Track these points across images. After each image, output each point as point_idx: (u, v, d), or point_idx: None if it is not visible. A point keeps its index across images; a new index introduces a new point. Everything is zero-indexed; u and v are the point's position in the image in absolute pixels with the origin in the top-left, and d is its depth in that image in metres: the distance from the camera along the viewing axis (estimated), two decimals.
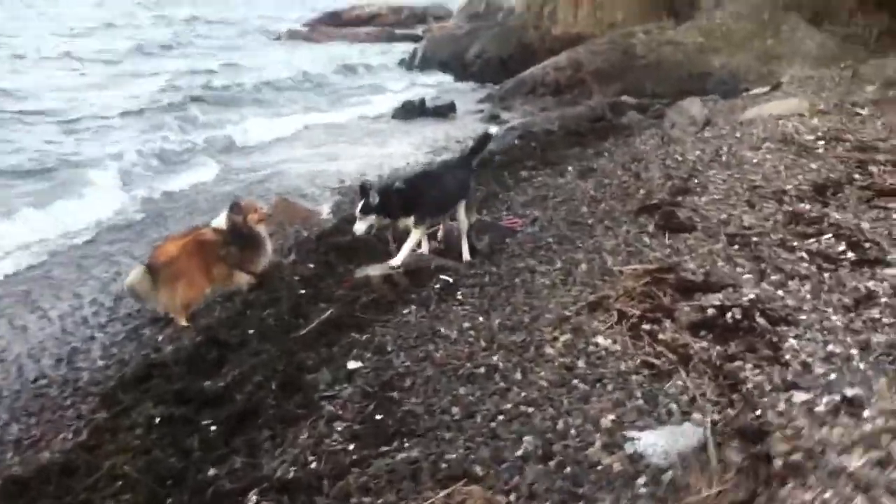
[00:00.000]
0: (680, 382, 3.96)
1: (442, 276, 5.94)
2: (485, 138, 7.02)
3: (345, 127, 16.24)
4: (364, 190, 5.96)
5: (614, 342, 4.45)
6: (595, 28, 22.88)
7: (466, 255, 6.53)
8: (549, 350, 4.45)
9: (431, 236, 7.11)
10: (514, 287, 5.57)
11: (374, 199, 5.92)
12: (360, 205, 5.95)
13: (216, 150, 13.47)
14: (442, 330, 4.92)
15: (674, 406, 3.76)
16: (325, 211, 9.43)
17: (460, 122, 16.65)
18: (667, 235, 6.23)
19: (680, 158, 8.63)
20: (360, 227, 5.96)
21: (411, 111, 18.03)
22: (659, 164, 8.43)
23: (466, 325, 4.96)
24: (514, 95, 19.60)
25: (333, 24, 47.19)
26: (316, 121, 16.94)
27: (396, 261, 6.15)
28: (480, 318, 5.06)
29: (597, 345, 4.44)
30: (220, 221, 6.15)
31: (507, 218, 7.45)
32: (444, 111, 17.74)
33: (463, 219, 6.57)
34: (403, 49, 33.10)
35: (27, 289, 7.24)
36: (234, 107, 18.15)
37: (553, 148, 10.93)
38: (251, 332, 5.12)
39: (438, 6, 51.79)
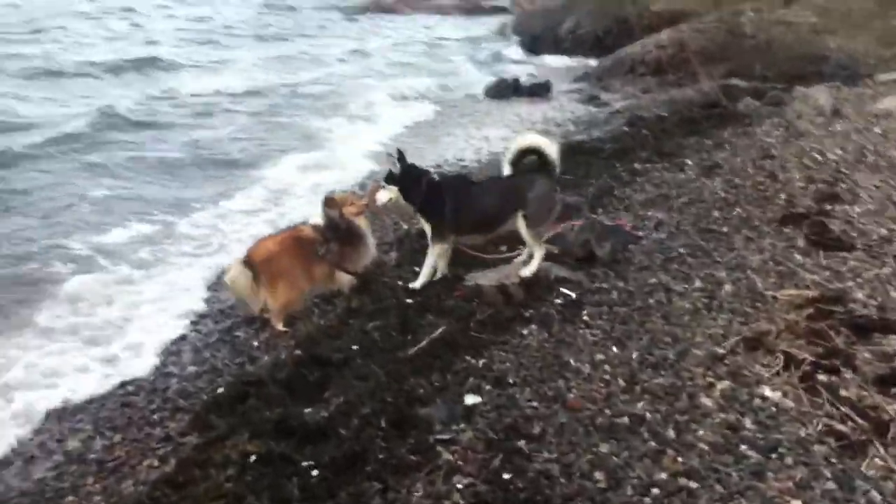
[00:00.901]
0: (878, 460, 3.24)
1: (563, 290, 5.28)
2: None
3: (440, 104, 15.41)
4: (397, 157, 5.56)
5: (785, 395, 3.76)
6: (698, 4, 21.56)
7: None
8: (704, 400, 3.78)
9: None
10: (648, 309, 4.88)
11: (397, 169, 5.50)
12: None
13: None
14: (571, 362, 4.28)
15: (875, 495, 3.05)
16: None
17: (557, 102, 15.77)
18: (821, 253, 5.46)
19: (819, 158, 7.74)
20: (381, 197, 5.57)
21: (504, 90, 17.21)
22: (796, 164, 7.56)
23: (599, 356, 4.31)
24: (613, 75, 18.57)
25: None
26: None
27: (416, 283, 5.56)
28: (614, 349, 4.40)
29: (764, 398, 3.75)
30: (318, 219, 5.62)
31: (616, 220, 6.69)
32: (540, 90, 16.85)
33: (527, 238, 5.48)
34: (489, 22, 32.25)
35: None
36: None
37: (667, 136, 10.04)
38: (355, 347, 4.57)
39: None
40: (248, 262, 5.23)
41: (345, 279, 5.62)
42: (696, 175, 7.94)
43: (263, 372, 4.47)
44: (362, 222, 5.83)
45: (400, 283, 5.64)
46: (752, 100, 12.31)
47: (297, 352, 4.67)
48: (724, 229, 6.20)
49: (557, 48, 24.13)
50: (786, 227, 6.02)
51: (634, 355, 4.27)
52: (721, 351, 4.18)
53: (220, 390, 4.43)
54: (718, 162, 8.26)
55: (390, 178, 5.55)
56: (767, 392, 3.76)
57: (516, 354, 4.46)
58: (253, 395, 4.16)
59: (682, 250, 5.83)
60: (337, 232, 5.57)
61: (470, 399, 3.97)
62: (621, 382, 4.01)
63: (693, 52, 18.13)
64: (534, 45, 25.45)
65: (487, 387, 4.11)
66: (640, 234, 6.35)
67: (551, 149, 5.50)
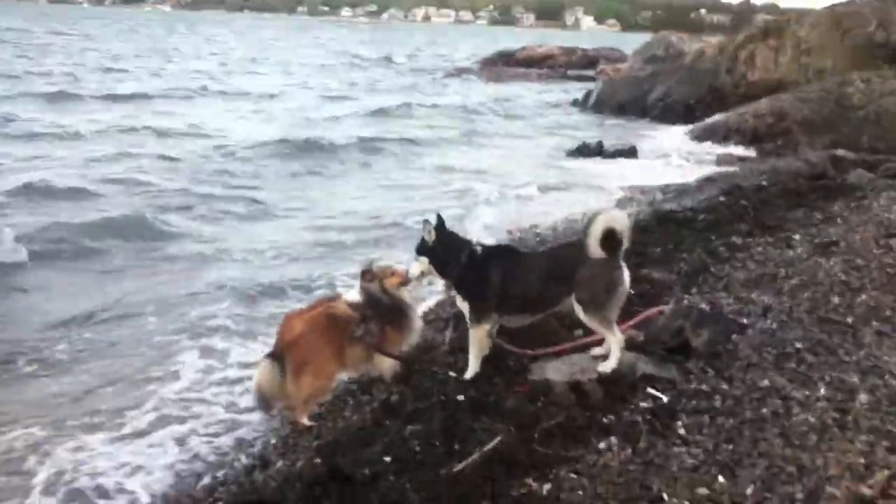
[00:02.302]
0: None
1: (651, 391, 4.29)
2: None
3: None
4: (434, 225, 4.77)
5: None
6: (799, 75, 20.51)
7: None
8: None
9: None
10: (761, 423, 3.84)
11: (431, 238, 4.74)
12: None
13: None
14: (664, 497, 3.27)
15: None
16: None
17: (644, 164, 14.94)
18: None
19: None
20: (413, 270, 4.83)
21: (586, 153, 16.53)
22: None
23: (701, 490, 3.29)
24: (705, 141, 17.63)
25: (505, 63, 46.76)
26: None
27: (468, 373, 4.66)
28: (720, 479, 3.37)
29: None
30: (354, 294, 4.81)
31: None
32: (625, 155, 16.07)
33: (592, 327, 4.59)
34: (573, 89, 31.82)
35: None
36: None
37: (769, 209, 8.97)
38: (387, 459, 3.67)
39: (611, 49, 50.30)
40: (274, 354, 4.48)
41: (387, 364, 4.77)
42: (807, 253, 6.83)
43: (271, 489, 3.59)
44: (406, 295, 4.99)
45: (452, 373, 4.72)
46: (864, 171, 11.14)
47: (317, 460, 3.79)
48: (849, 320, 5.10)
49: (644, 116, 23.38)
50: None
51: (749, 490, 3.24)
52: (868, 492, 3.11)
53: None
54: (833, 238, 7.14)
55: (422, 249, 4.81)
56: None
57: (591, 479, 3.48)
58: None
59: (798, 345, 4.75)
60: (377, 308, 4.75)
61: None
62: None
63: (795, 122, 17.05)
64: (620, 113, 24.73)
65: None
66: (745, 321, 5.31)
67: (622, 223, 4.47)
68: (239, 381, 5.65)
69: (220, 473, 4.24)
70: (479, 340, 4.69)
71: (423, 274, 4.82)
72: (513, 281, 4.65)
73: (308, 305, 4.95)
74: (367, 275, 4.84)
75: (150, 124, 18.53)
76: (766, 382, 4.28)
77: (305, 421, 4.45)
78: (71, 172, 12.86)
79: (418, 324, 5.06)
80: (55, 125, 17.78)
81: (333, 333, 4.54)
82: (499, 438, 3.75)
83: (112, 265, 8.69)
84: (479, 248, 4.82)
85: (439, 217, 4.84)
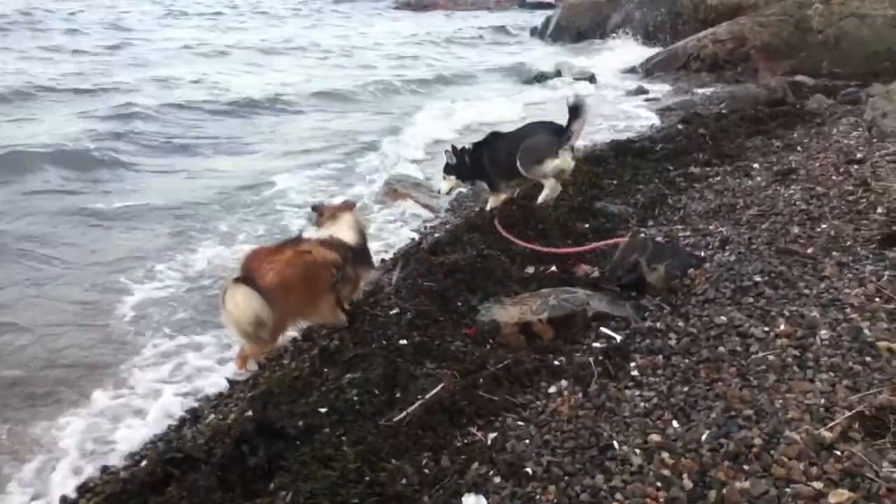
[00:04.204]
0: None
1: (605, 330, 4.08)
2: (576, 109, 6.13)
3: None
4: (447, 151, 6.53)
5: None
6: None
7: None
8: None
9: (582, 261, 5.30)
10: (718, 362, 3.65)
11: (452, 159, 6.45)
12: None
13: None
14: (615, 444, 3.07)
15: None
16: (442, 204, 7.68)
17: (600, 94, 14.56)
18: None
19: None
20: (444, 187, 6.66)
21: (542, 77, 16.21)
22: (892, 170, 6.23)
23: (654, 436, 3.10)
24: (664, 69, 17.27)
25: None
26: None
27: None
28: (675, 424, 3.18)
29: None
30: (316, 232, 4.42)
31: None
32: (583, 81, 15.75)
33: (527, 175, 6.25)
34: (528, 19, 31.14)
35: None
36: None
37: (728, 137, 8.71)
38: (323, 410, 3.41)
39: None
40: (250, 282, 3.90)
41: (342, 318, 4.43)
42: (766, 181, 6.64)
43: (198, 446, 3.32)
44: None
45: (396, 312, 4.44)
46: (823, 97, 10.95)
47: (249, 413, 3.52)
48: (809, 250, 4.92)
49: (604, 43, 22.88)
50: (890, 249, 4.73)
51: (704, 436, 3.05)
52: (828, 435, 2.94)
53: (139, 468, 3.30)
54: (793, 166, 6.96)
55: (448, 169, 6.52)
56: None
57: (539, 427, 3.27)
58: (176, 480, 3.03)
59: (757, 278, 4.55)
60: (358, 253, 4.43)
61: (470, 501, 2.80)
62: (687, 483, 2.80)
63: (754, 47, 16.76)
64: (579, 40, 24.21)
65: (497, 479, 2.94)
66: (703, 254, 5.12)
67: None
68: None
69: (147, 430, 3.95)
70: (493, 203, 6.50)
71: (450, 189, 6.68)
72: (495, 155, 6.33)
73: (277, 244, 4.43)
74: (348, 206, 4.46)
75: None
76: (723, 319, 4.08)
77: (240, 367, 4.14)
78: None
79: (373, 272, 4.75)
80: None
81: (313, 277, 4.16)
82: (441, 385, 3.51)
83: None
84: (468, 145, 6.52)
85: (453, 146, 6.54)
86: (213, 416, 3.82)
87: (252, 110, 13.23)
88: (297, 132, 11.89)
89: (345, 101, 14.44)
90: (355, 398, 3.49)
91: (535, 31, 27.78)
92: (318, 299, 4.21)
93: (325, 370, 3.84)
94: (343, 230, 4.49)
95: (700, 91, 13.93)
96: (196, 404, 4.16)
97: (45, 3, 29.46)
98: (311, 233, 4.53)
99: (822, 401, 3.21)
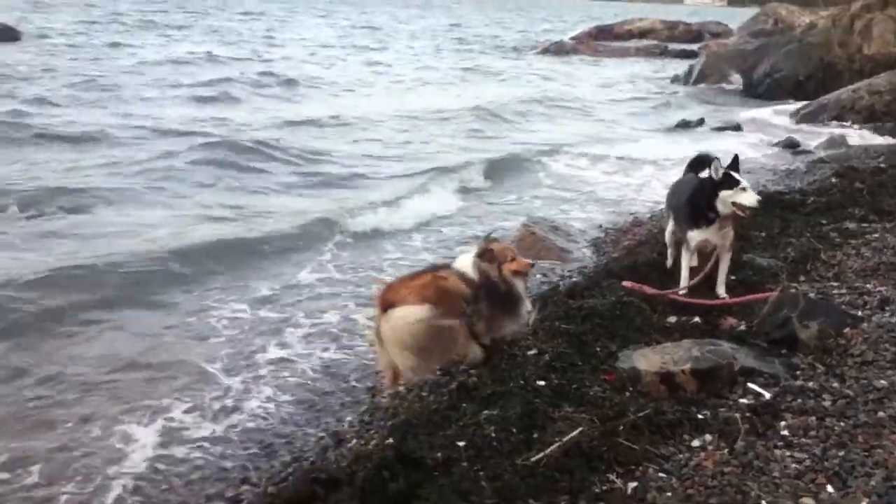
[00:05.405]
0: None
1: (752, 387, 3.93)
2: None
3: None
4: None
5: None
6: None
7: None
8: None
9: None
10: (878, 427, 3.43)
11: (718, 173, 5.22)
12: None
13: None
14: (763, 502, 2.94)
15: None
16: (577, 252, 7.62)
17: (747, 140, 14.18)
18: None
19: None
20: (751, 201, 5.18)
21: (687, 129, 15.90)
22: None
23: (807, 500, 2.94)
24: (814, 120, 16.62)
25: (603, 38, 45.53)
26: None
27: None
28: (829, 489, 3.01)
29: None
30: (465, 264, 4.58)
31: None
32: (728, 131, 15.37)
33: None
34: (676, 66, 30.36)
35: None
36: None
37: (887, 192, 8.26)
38: (461, 444, 3.45)
39: (716, 23, 48.19)
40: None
41: (477, 352, 4.52)
42: None
43: (341, 468, 3.42)
44: (521, 286, 4.76)
45: (534, 353, 4.44)
46: None
47: (390, 440, 3.60)
48: None
49: (750, 92, 22.27)
50: None
51: None
52: None
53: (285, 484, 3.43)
54: None
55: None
56: None
57: (682, 480, 3.17)
58: (320, 500, 3.13)
59: None
60: (492, 293, 4.53)
61: None
62: None
63: None
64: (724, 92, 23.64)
65: None
66: (860, 313, 4.85)
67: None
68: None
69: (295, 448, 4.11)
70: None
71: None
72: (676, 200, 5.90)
73: (413, 272, 4.70)
74: (486, 254, 4.60)
75: None
76: (883, 382, 3.85)
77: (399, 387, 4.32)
78: None
79: (524, 317, 4.80)
80: None
81: (447, 305, 4.32)
82: (580, 429, 3.47)
83: None
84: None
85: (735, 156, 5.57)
86: (354, 440, 3.92)
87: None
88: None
89: None
90: (493, 434, 3.50)
91: (675, 80, 27.33)
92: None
93: (464, 405, 3.88)
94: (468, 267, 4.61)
95: (855, 144, 13.27)
96: (338, 427, 4.28)
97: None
98: (457, 262, 4.69)
99: None
